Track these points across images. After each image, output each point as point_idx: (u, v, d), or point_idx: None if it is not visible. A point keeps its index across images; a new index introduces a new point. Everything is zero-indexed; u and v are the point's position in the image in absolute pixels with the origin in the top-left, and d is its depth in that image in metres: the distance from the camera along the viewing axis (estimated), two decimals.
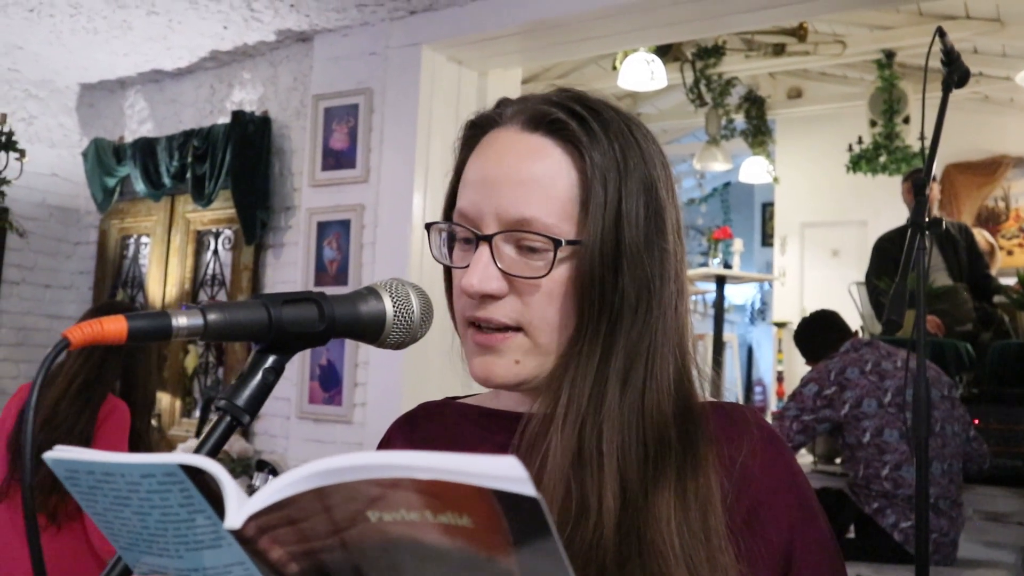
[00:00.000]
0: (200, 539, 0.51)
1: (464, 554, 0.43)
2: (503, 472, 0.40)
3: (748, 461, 0.72)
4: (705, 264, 5.82)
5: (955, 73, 1.91)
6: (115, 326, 0.56)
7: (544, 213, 0.72)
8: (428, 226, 0.80)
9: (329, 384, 3.57)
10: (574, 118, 0.74)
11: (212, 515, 0.49)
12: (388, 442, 0.89)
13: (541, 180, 0.73)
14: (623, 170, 0.73)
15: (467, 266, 0.74)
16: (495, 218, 0.74)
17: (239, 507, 0.48)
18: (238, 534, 0.48)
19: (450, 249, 0.80)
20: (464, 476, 0.41)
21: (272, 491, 0.46)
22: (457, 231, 0.78)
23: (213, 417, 0.63)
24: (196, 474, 0.49)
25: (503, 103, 0.80)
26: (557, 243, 0.72)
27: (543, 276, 0.73)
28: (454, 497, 0.41)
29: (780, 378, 6.84)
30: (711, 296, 5.80)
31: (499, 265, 0.73)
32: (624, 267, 0.72)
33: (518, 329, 0.74)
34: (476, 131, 0.80)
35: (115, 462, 0.50)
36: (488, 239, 0.73)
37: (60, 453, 0.52)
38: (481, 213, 0.74)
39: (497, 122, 0.78)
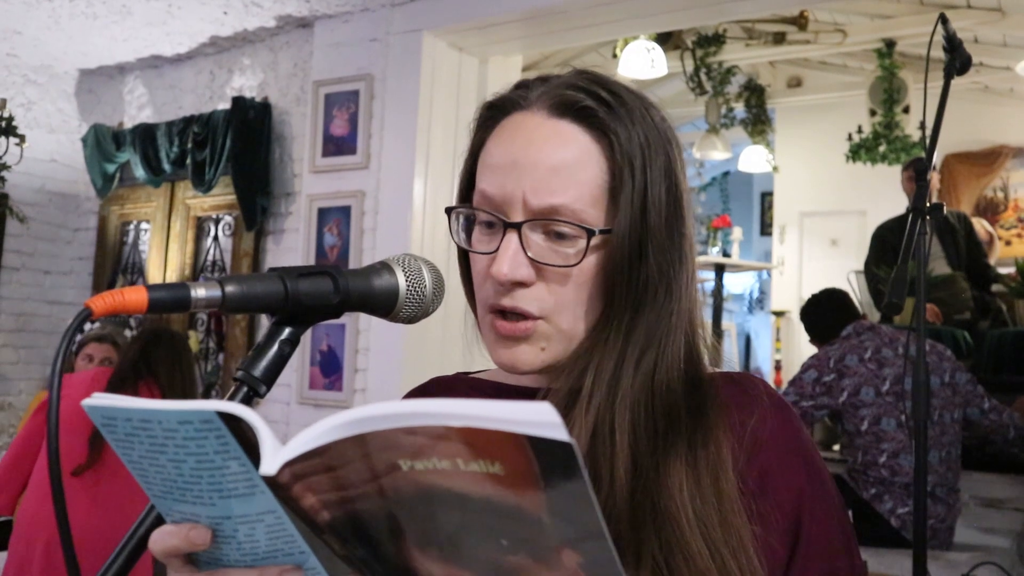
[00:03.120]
0: (234, 486, 0.51)
1: (494, 502, 0.44)
2: (537, 418, 0.41)
3: (758, 427, 0.74)
4: (704, 253, 5.82)
5: (957, 60, 1.91)
6: (136, 296, 0.57)
7: (573, 200, 0.72)
8: (448, 210, 0.79)
9: (330, 370, 3.58)
10: (601, 104, 0.74)
11: (247, 462, 0.50)
12: None
13: (571, 167, 0.73)
14: (648, 156, 0.74)
15: (494, 251, 0.74)
16: (523, 204, 0.73)
17: (274, 454, 0.49)
18: (272, 480, 0.49)
19: (468, 232, 0.79)
20: (498, 423, 0.41)
21: (307, 439, 0.47)
22: (479, 215, 0.77)
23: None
24: (232, 422, 0.50)
25: (524, 85, 0.79)
26: (591, 233, 0.72)
27: (574, 265, 0.73)
28: (487, 444, 0.42)
29: (778, 367, 6.85)
30: (710, 285, 5.80)
31: (528, 253, 0.73)
32: (649, 253, 0.73)
33: (541, 317, 0.75)
34: (496, 112, 0.79)
35: (153, 408, 0.50)
36: (517, 227, 0.73)
37: (98, 400, 0.52)
38: (508, 198, 0.74)
39: (520, 105, 0.77)
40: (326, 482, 0.48)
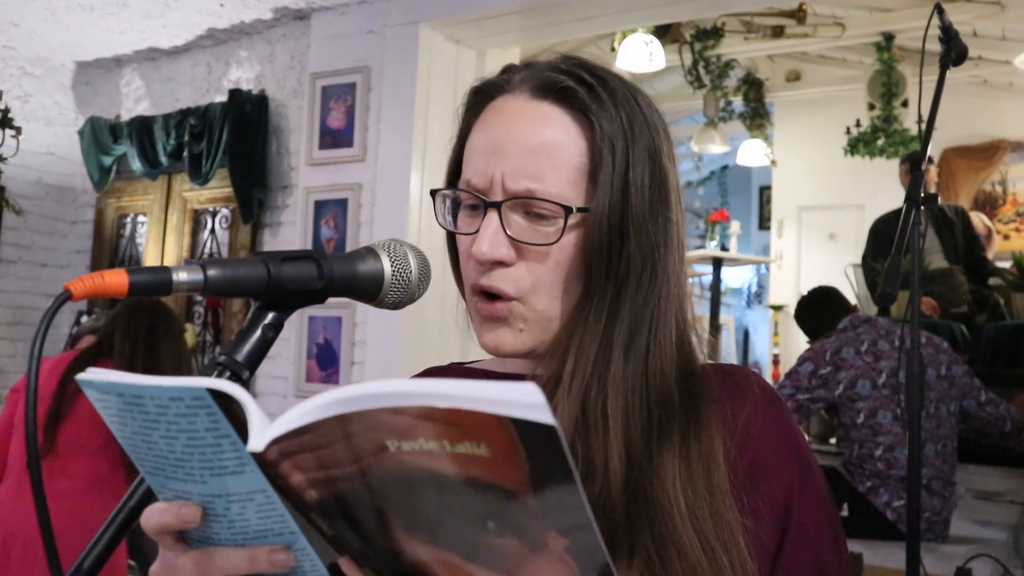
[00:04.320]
0: (224, 464, 0.52)
1: (481, 484, 0.44)
2: (521, 399, 0.41)
3: (750, 419, 0.74)
4: (702, 246, 5.82)
5: (953, 50, 1.90)
6: (116, 279, 0.56)
7: (553, 181, 0.73)
8: (433, 193, 0.80)
9: (326, 363, 3.58)
10: (583, 86, 0.75)
11: (237, 440, 0.50)
12: None
13: (550, 148, 0.74)
14: (630, 138, 0.74)
15: (475, 232, 0.75)
16: (503, 185, 0.74)
17: (262, 431, 0.49)
18: (260, 457, 0.49)
19: (454, 216, 0.80)
20: (482, 404, 0.41)
21: (295, 416, 0.47)
22: (463, 198, 0.78)
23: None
24: (223, 401, 0.50)
25: (509, 69, 0.80)
26: (568, 210, 0.73)
27: (553, 243, 0.73)
28: (472, 426, 0.42)
29: (776, 361, 6.86)
30: (708, 279, 5.80)
31: (508, 232, 0.74)
32: (630, 234, 0.73)
33: (516, 298, 0.75)
34: (481, 97, 0.80)
35: (145, 384, 0.50)
36: (497, 206, 0.74)
37: (92, 375, 0.52)
38: (489, 180, 0.74)
39: (504, 88, 0.78)
40: (312, 461, 0.48)
